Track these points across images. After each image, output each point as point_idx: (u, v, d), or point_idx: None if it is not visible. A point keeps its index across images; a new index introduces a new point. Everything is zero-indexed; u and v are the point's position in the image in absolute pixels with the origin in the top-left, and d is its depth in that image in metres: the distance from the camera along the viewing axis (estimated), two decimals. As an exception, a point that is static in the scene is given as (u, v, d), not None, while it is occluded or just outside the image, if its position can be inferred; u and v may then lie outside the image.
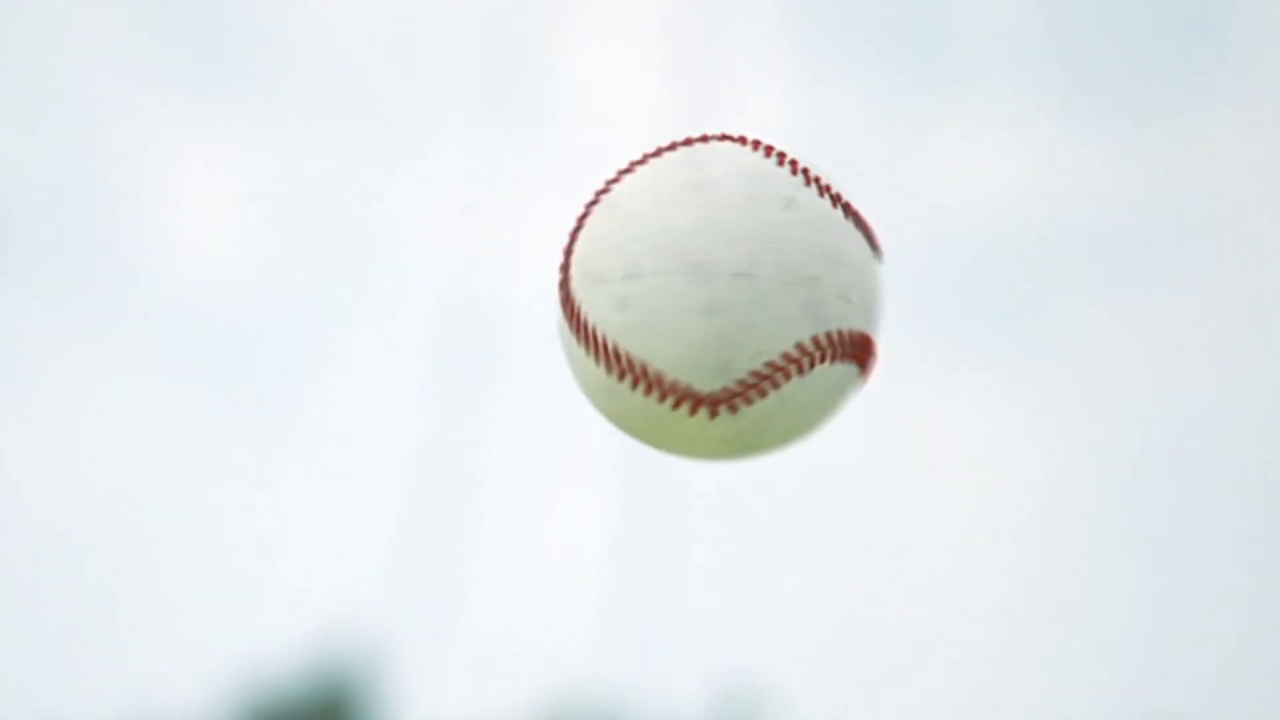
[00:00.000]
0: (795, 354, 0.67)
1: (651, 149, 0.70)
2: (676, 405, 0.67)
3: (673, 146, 0.70)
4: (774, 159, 0.69)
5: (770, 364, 0.67)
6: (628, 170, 0.70)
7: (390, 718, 12.70)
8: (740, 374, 0.66)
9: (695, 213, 0.66)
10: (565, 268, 0.69)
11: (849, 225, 0.70)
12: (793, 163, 0.70)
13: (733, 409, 0.67)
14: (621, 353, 0.66)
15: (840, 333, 0.68)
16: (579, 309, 0.68)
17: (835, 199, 0.70)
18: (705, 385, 0.66)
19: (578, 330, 0.68)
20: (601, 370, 0.67)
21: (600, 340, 0.67)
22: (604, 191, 0.69)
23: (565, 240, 0.70)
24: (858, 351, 0.70)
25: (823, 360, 0.68)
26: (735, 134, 0.71)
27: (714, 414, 0.67)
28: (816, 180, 0.70)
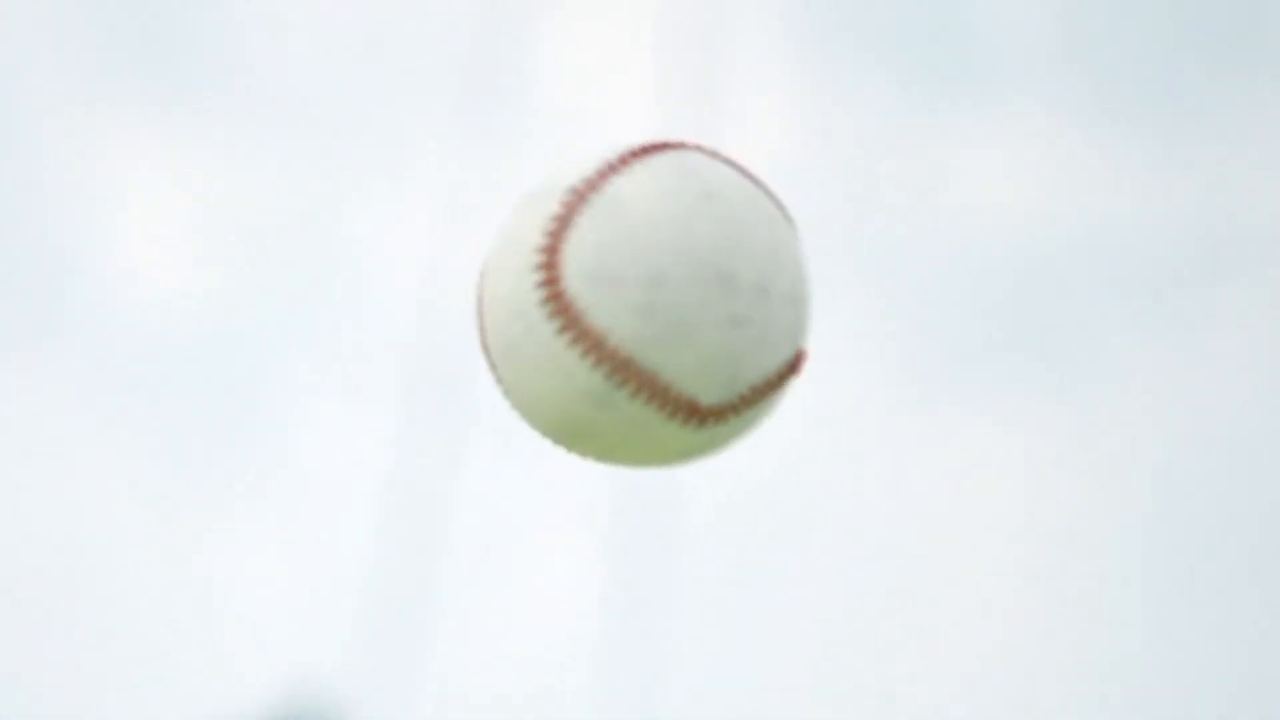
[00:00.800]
0: (784, 368, 0.72)
1: (623, 150, 0.70)
2: (672, 416, 0.69)
3: (648, 150, 0.70)
4: (749, 178, 0.72)
5: (767, 379, 0.70)
6: (612, 170, 0.69)
7: None
8: (743, 388, 0.69)
9: (714, 225, 0.68)
10: (552, 267, 0.67)
11: (795, 230, 0.75)
12: (753, 175, 0.73)
13: (721, 420, 0.70)
14: (634, 362, 0.67)
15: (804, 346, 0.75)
16: (580, 312, 0.67)
17: (780, 205, 0.74)
18: (708, 398, 0.69)
19: (577, 333, 0.67)
20: (598, 376, 0.67)
21: (610, 347, 0.67)
22: (588, 191, 0.68)
23: (535, 236, 0.68)
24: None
25: (791, 373, 0.74)
26: (691, 142, 0.73)
27: (702, 424, 0.70)
28: (770, 194, 0.74)
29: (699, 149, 0.73)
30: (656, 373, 0.67)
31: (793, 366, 0.74)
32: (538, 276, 0.67)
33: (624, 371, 0.67)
